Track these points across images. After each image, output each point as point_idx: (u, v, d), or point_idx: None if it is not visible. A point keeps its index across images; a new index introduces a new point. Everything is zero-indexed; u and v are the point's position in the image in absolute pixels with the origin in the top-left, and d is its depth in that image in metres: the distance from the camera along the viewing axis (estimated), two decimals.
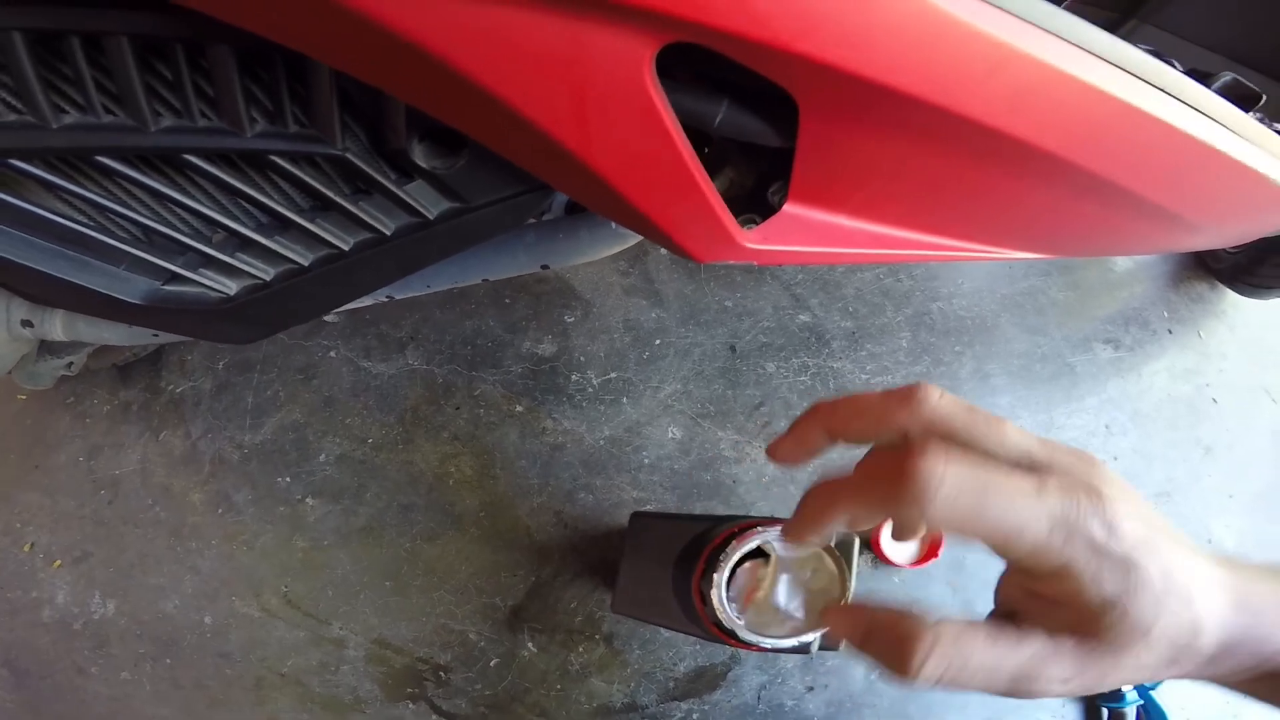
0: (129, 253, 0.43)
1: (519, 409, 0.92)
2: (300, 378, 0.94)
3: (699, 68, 0.39)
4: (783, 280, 1.01)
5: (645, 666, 0.88)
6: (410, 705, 0.88)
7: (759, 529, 0.43)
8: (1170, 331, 1.14)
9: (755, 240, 0.46)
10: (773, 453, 0.30)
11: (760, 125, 0.40)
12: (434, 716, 0.88)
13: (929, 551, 0.86)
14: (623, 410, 0.92)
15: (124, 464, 0.97)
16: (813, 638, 0.44)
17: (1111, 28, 0.83)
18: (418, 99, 0.36)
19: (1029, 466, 0.24)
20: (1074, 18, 0.35)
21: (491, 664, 0.88)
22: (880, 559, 0.88)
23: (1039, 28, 0.33)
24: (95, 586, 0.94)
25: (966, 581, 0.91)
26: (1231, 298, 1.18)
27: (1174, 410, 1.08)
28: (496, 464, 0.90)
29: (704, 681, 0.87)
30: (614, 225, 0.60)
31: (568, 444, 0.90)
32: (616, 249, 0.60)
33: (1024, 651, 0.25)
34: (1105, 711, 0.90)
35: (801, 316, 0.99)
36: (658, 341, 0.96)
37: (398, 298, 0.61)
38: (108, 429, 0.99)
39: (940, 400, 0.25)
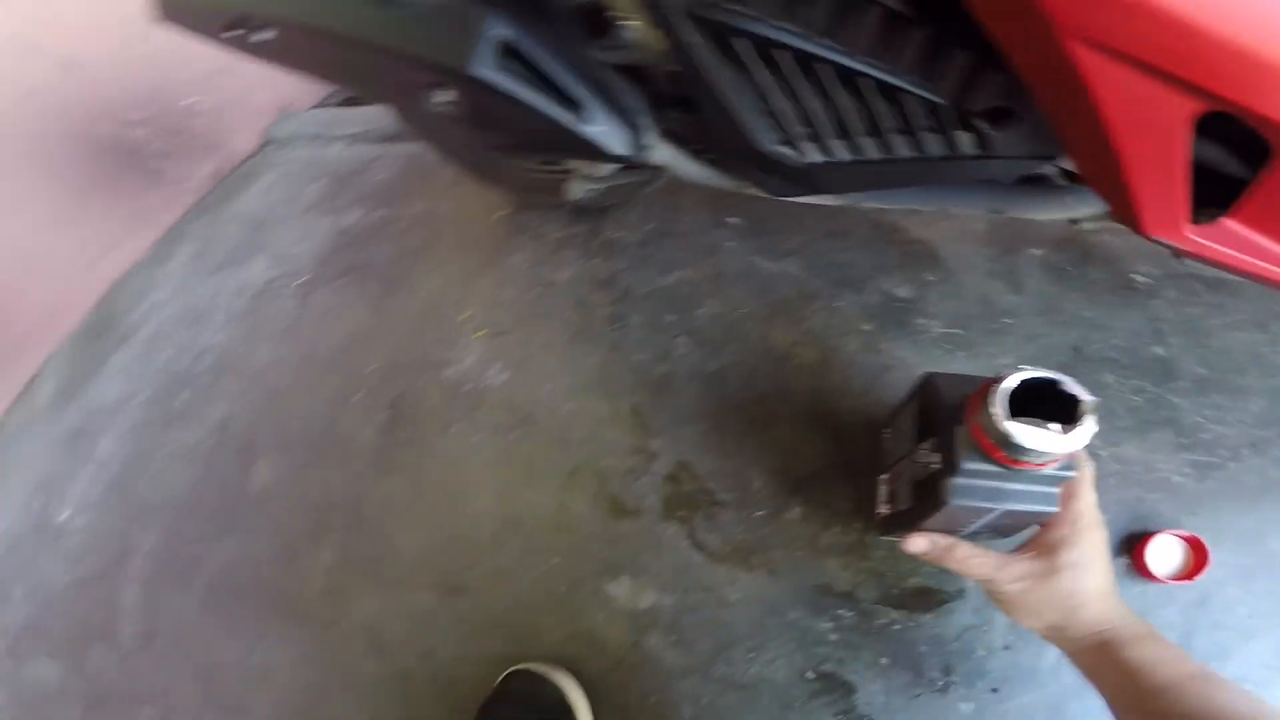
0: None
1: (866, 328, 1.10)
2: (704, 253, 1.24)
3: None
4: (1149, 313, 1.04)
5: (881, 567, 0.94)
6: (674, 526, 0.99)
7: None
8: None
9: (1196, 234, 0.56)
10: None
11: (1221, 154, 0.51)
12: (686, 541, 0.99)
13: (1190, 572, 0.87)
14: (956, 360, 1.04)
15: (559, 276, 1.30)
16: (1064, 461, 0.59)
17: None
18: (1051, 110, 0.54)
19: None
20: None
21: (757, 515, 1.01)
22: (1142, 574, 0.89)
23: None
24: (500, 358, 1.16)
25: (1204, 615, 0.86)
26: None
27: None
28: (833, 364, 1.08)
29: (923, 601, 0.92)
30: (1061, 198, 0.75)
31: (897, 368, 1.06)
32: (1056, 215, 0.75)
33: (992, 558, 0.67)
34: None
35: (1156, 349, 1.02)
36: (1006, 320, 1.07)
37: (863, 206, 0.83)
38: (554, 249, 1.34)
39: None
